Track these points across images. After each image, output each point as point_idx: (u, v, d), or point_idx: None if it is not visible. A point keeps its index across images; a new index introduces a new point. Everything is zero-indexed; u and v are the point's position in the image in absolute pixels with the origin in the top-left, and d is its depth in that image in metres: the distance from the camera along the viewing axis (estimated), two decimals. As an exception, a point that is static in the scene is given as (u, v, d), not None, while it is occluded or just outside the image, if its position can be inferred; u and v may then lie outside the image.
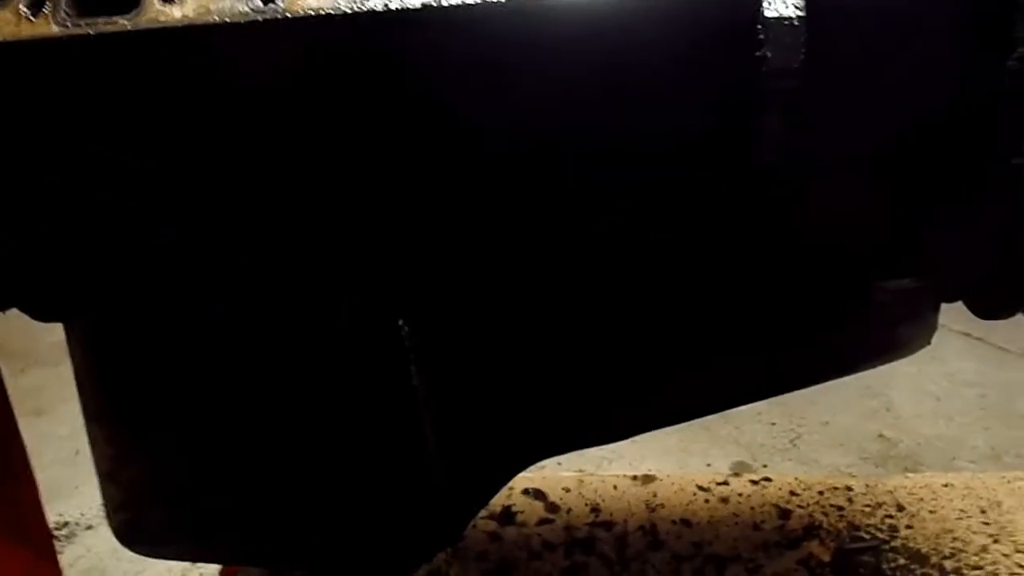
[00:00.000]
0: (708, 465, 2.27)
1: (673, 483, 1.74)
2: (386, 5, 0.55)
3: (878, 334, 0.82)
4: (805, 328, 0.76)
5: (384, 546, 0.79)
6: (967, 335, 2.98)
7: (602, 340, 0.77)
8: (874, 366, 0.86)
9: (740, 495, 1.69)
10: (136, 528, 0.87)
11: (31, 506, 1.00)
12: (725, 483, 1.74)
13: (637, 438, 2.38)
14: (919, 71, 0.62)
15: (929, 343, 0.87)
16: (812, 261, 0.67)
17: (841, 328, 0.78)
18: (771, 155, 0.57)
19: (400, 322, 0.69)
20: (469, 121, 0.60)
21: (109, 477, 0.86)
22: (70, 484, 2.30)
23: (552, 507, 1.67)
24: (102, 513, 2.21)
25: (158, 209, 0.68)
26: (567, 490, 1.73)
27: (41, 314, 0.81)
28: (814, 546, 1.53)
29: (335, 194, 0.64)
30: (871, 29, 0.59)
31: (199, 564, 1.95)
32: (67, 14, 0.58)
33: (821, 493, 1.69)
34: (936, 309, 0.84)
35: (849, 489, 1.70)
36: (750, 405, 2.49)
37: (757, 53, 0.56)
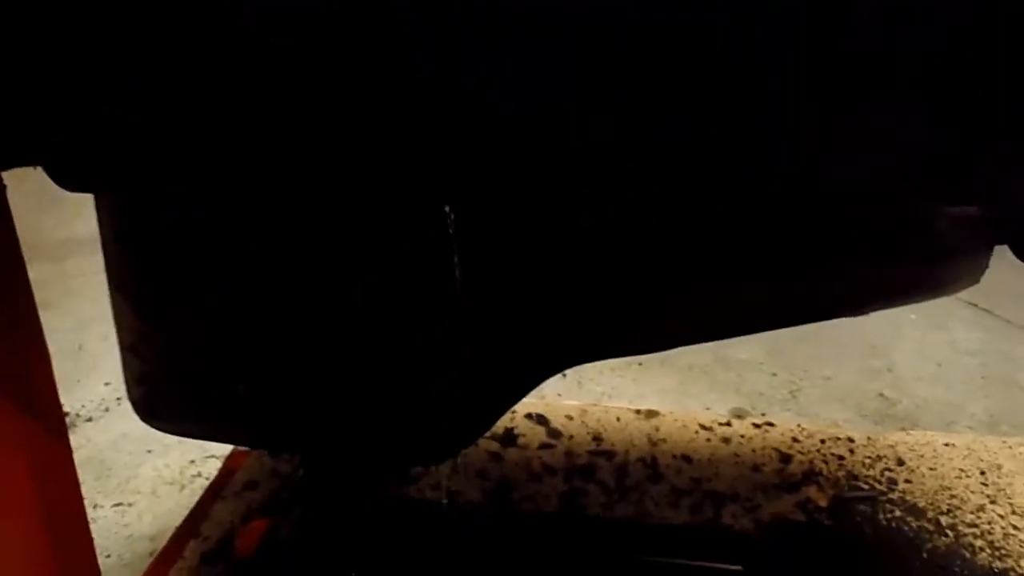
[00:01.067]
0: (707, 409, 2.27)
1: (676, 420, 1.75)
2: None
3: (934, 264, 0.80)
4: (864, 248, 0.75)
5: (409, 436, 0.79)
6: (973, 305, 2.98)
7: (636, 246, 0.76)
8: (923, 299, 0.85)
9: (742, 437, 1.70)
10: (155, 403, 0.86)
11: (47, 390, 1.00)
12: (728, 424, 1.75)
13: (637, 377, 2.39)
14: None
15: (978, 282, 0.85)
16: (873, 179, 0.65)
17: (899, 254, 0.76)
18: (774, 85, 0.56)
19: (447, 209, 0.68)
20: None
21: (131, 350, 0.86)
22: (72, 377, 2.31)
23: (554, 433, 1.68)
24: (103, 406, 2.24)
25: (195, 81, 0.66)
26: (570, 418, 1.73)
27: (71, 180, 0.80)
28: (812, 491, 1.54)
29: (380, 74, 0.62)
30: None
31: (197, 460, 1.97)
32: None
33: (823, 442, 1.70)
34: (989, 247, 0.82)
35: (851, 440, 1.71)
36: (751, 355, 2.48)
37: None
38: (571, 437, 1.67)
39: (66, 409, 2.18)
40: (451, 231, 0.68)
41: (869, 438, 1.72)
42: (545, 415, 1.73)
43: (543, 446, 1.64)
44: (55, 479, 1.01)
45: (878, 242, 0.74)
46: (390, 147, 0.66)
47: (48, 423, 0.99)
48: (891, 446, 1.70)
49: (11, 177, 0.81)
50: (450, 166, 0.67)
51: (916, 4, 0.59)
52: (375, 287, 0.72)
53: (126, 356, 0.86)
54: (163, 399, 0.86)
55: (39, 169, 0.77)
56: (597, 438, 1.67)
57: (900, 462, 1.64)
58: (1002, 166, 0.68)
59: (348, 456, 0.90)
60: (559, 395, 2.24)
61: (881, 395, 2.40)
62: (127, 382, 0.87)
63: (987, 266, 0.85)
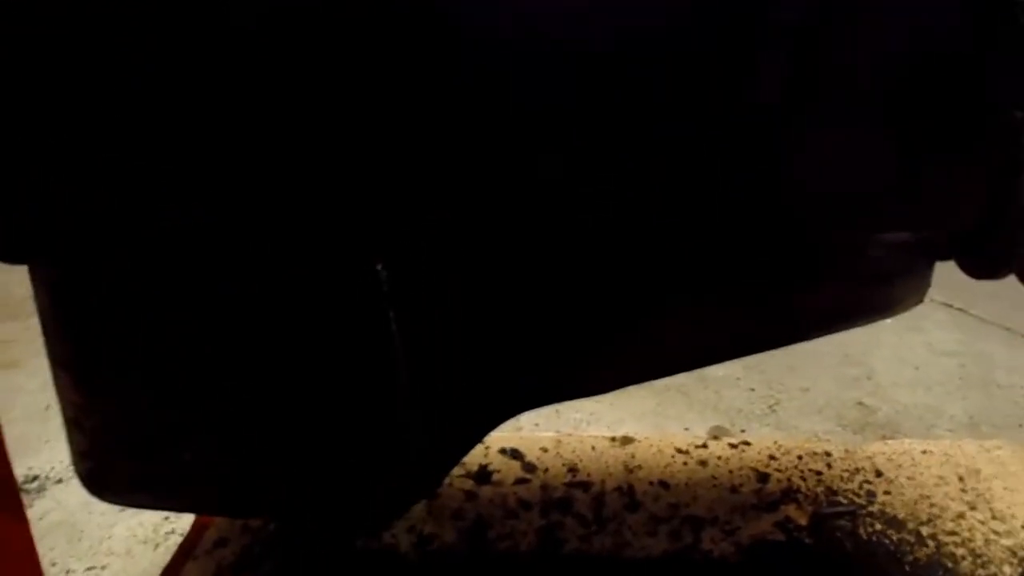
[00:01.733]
0: (686, 429, 2.26)
1: (651, 445, 1.73)
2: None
3: (870, 289, 0.80)
4: (798, 279, 0.74)
5: (359, 498, 0.77)
6: (948, 306, 2.99)
7: (581, 289, 0.75)
8: (868, 321, 0.85)
9: (719, 458, 1.69)
10: (103, 476, 0.84)
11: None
12: (704, 446, 1.73)
13: (615, 401, 2.38)
14: (922, 13, 0.60)
15: (921, 301, 0.85)
16: (808, 209, 0.65)
17: (836, 280, 0.76)
18: (772, 92, 0.55)
19: (379, 266, 0.66)
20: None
21: (75, 424, 0.84)
22: (40, 439, 2.27)
23: (529, 467, 1.66)
24: (72, 468, 2.19)
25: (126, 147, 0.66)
26: (544, 450, 1.71)
27: (4, 254, 0.78)
28: (791, 510, 1.52)
29: (312, 126, 0.62)
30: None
31: (171, 516, 1.94)
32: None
33: (800, 458, 1.69)
34: (930, 267, 0.82)
35: (828, 454, 1.70)
36: (728, 371, 2.47)
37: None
38: (546, 470, 1.65)
39: (35, 472, 2.15)
40: (384, 288, 0.66)
41: (847, 451, 1.71)
42: (519, 449, 1.71)
43: (518, 481, 1.62)
44: (12, 554, 0.99)
45: (820, 267, 0.74)
46: (320, 197, 0.65)
47: (4, 500, 0.97)
48: (869, 457, 1.69)
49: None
50: (379, 218, 0.66)
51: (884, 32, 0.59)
52: (313, 347, 0.71)
53: (70, 430, 0.84)
54: (110, 472, 0.84)
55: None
56: (573, 469, 1.65)
57: (878, 473, 1.63)
58: (940, 187, 0.68)
59: (299, 518, 0.88)
60: (537, 425, 2.22)
61: (860, 403, 2.40)
62: (73, 456, 0.85)
63: (929, 285, 0.85)
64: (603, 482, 1.61)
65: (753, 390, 2.47)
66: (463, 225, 0.67)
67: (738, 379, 2.53)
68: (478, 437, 0.78)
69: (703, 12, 0.56)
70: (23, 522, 1.01)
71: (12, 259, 0.80)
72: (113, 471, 0.84)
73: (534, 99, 0.59)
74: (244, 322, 0.73)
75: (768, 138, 0.60)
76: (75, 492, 2.07)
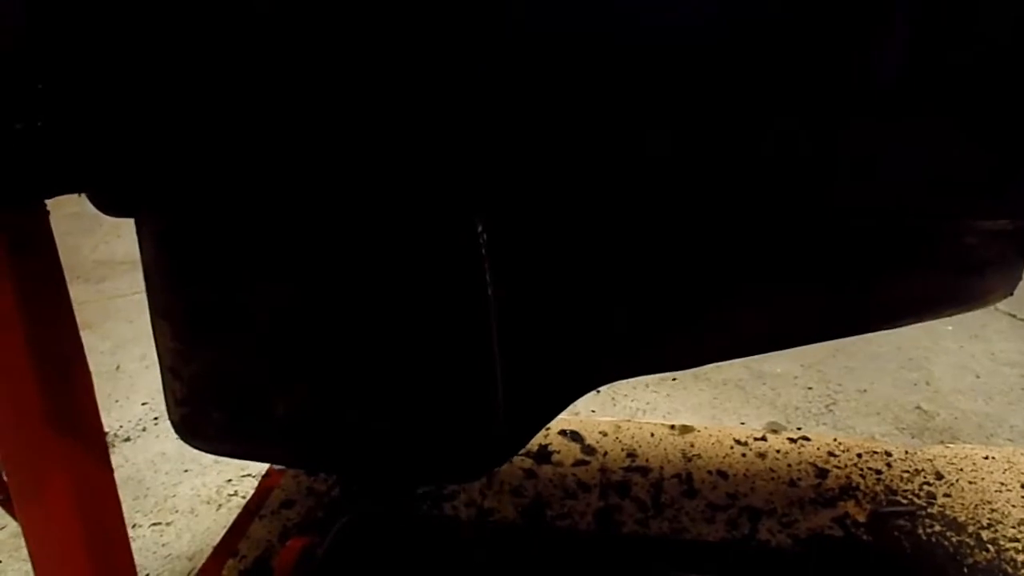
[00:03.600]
0: (742, 424, 2.26)
1: (711, 435, 1.74)
2: None
3: (964, 278, 0.80)
4: (890, 266, 0.74)
5: (441, 457, 0.79)
6: (1012, 316, 2.94)
7: (667, 263, 0.76)
8: (956, 312, 0.85)
9: (778, 452, 1.69)
10: (196, 424, 0.87)
11: (89, 409, 1.01)
12: (763, 439, 1.74)
13: (671, 392, 2.38)
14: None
15: (1011, 294, 0.85)
16: (906, 196, 0.65)
17: (928, 268, 0.76)
18: (887, 80, 0.56)
19: (479, 227, 0.68)
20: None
21: (172, 371, 0.87)
22: (110, 398, 2.34)
23: (588, 449, 1.68)
24: (140, 426, 2.26)
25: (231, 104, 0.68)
26: (604, 434, 1.73)
27: (114, 206, 0.82)
28: (850, 506, 1.52)
29: (411, 83, 0.63)
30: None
31: (234, 479, 1.99)
32: None
33: (860, 456, 1.68)
34: (1022, 259, 0.82)
35: (888, 454, 1.69)
36: (786, 368, 2.46)
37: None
38: (605, 453, 1.67)
39: (104, 429, 2.22)
40: (483, 248, 0.68)
41: (907, 452, 1.71)
42: (579, 432, 1.73)
43: (577, 463, 1.64)
44: (97, 499, 1.02)
45: (912, 254, 0.74)
46: (421, 154, 0.67)
47: (90, 444, 1.00)
48: (929, 460, 1.68)
49: (50, 201, 0.83)
50: (481, 176, 0.68)
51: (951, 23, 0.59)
52: (409, 305, 0.73)
53: (167, 377, 0.87)
54: (203, 419, 0.87)
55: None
56: (631, 454, 1.66)
57: (939, 476, 1.63)
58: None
59: (384, 474, 0.91)
60: (593, 412, 2.23)
61: (919, 408, 2.38)
62: (168, 403, 0.89)
63: (1020, 277, 0.85)
64: (661, 468, 1.62)
65: (811, 389, 2.46)
66: (563, 193, 0.68)
67: (796, 377, 2.52)
68: (562, 405, 0.79)
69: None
70: (109, 471, 1.05)
71: (123, 212, 0.83)
72: (207, 419, 0.87)
73: (646, 74, 0.61)
74: (342, 277, 0.75)
75: (873, 123, 0.61)
76: (142, 450, 2.13)
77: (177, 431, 0.88)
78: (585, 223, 0.71)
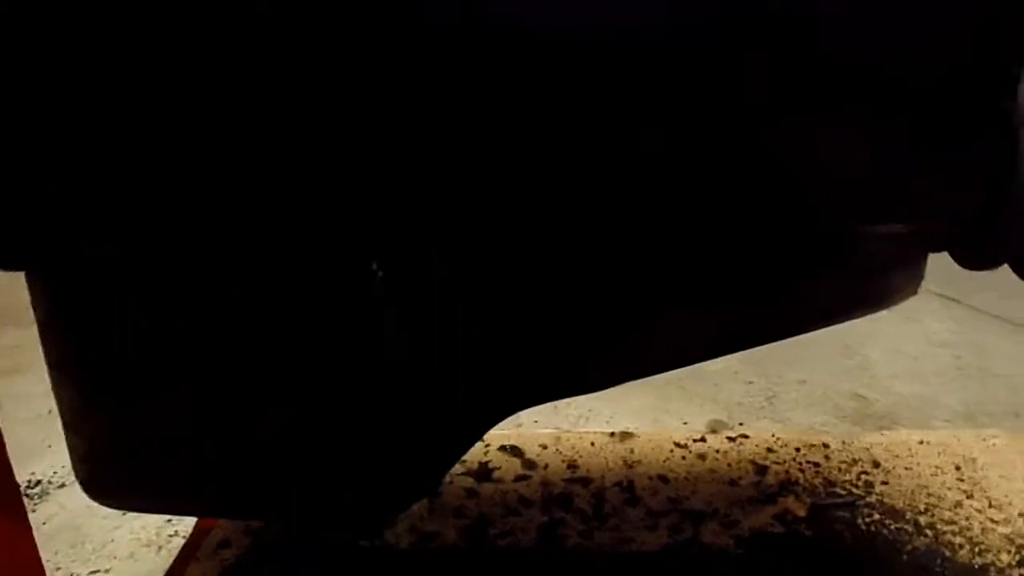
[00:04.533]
0: (684, 423, 2.27)
1: (650, 440, 1.74)
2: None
3: (866, 281, 0.80)
4: (790, 274, 0.74)
5: (363, 496, 0.78)
6: (943, 295, 3.00)
7: (580, 286, 0.75)
8: (862, 314, 0.85)
9: (717, 451, 1.69)
10: (101, 480, 0.84)
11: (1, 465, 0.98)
12: (702, 440, 1.74)
13: (613, 397, 2.39)
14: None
15: (916, 292, 0.85)
16: (798, 202, 0.65)
17: (828, 274, 0.76)
18: (758, 92, 0.55)
19: (374, 266, 0.67)
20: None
21: (72, 427, 0.84)
22: (43, 443, 2.28)
23: (529, 463, 1.67)
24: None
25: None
26: (544, 447, 1.72)
27: (2, 262, 0.79)
28: (790, 502, 1.53)
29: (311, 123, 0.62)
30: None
31: (174, 519, 1.94)
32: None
33: (798, 450, 1.69)
34: (924, 258, 0.82)
35: (826, 446, 1.71)
36: (726, 364, 2.48)
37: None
38: (546, 466, 1.66)
39: (37, 477, 2.16)
40: (379, 289, 0.67)
41: (844, 442, 1.72)
42: (519, 446, 1.72)
43: (519, 478, 1.63)
44: (16, 560, 0.99)
45: (819, 260, 0.74)
46: (310, 201, 0.65)
47: (6, 504, 0.97)
48: (866, 448, 1.70)
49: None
50: (375, 217, 0.66)
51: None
52: (313, 349, 0.72)
53: (68, 434, 0.85)
54: (110, 476, 0.84)
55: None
56: (572, 465, 1.66)
57: (876, 464, 1.64)
58: (939, 179, 0.68)
59: (308, 515, 0.88)
60: (536, 421, 2.22)
61: (857, 395, 2.41)
62: (72, 461, 0.86)
63: (923, 275, 0.86)
64: (603, 477, 1.61)
65: (751, 383, 2.48)
66: (469, 225, 0.67)
67: (736, 372, 2.54)
68: (480, 433, 0.78)
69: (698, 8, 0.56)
70: (26, 527, 1.02)
71: (9, 266, 0.80)
72: (112, 475, 0.84)
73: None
74: (241, 323, 0.73)
75: (761, 134, 0.60)
76: (78, 496, 2.07)
77: (84, 490, 0.85)
78: (496, 254, 0.70)
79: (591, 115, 0.62)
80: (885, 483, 1.58)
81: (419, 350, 0.72)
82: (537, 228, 0.70)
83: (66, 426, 0.85)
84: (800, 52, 0.59)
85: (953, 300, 2.98)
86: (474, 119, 0.62)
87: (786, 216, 0.68)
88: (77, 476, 0.86)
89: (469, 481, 1.61)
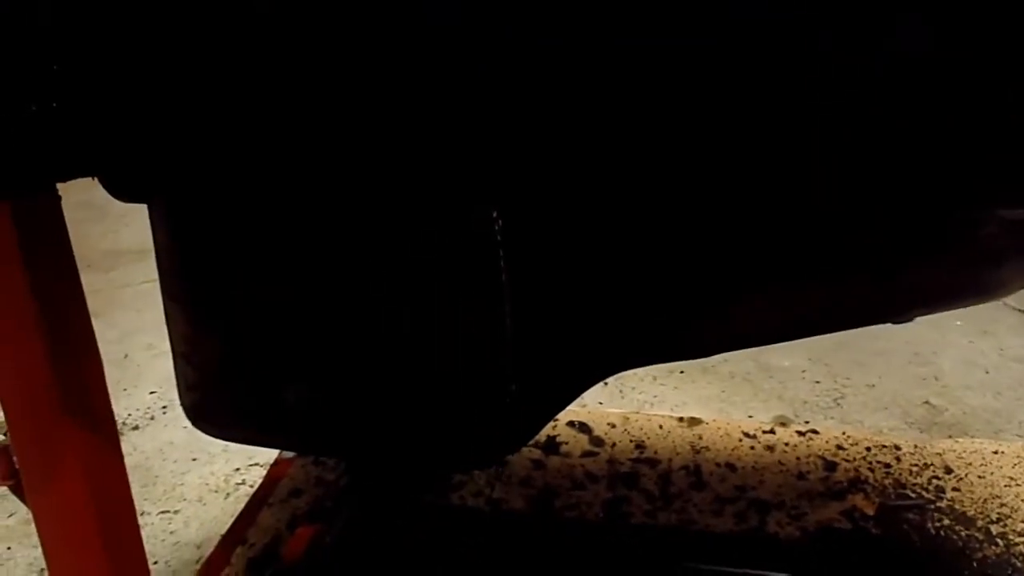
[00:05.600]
0: (750, 417, 2.25)
1: (719, 428, 1.74)
2: None
3: (980, 268, 0.79)
4: (908, 253, 0.74)
5: (456, 442, 0.79)
6: (1021, 311, 2.93)
7: (685, 250, 0.75)
8: (971, 303, 0.84)
9: (786, 445, 1.69)
10: (206, 409, 0.87)
11: (100, 397, 1.01)
12: (771, 432, 1.73)
13: (679, 385, 2.38)
14: None
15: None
16: (919, 178, 0.65)
17: (946, 256, 0.75)
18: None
19: (494, 214, 0.68)
20: None
21: (183, 356, 0.87)
22: (119, 386, 2.34)
23: (597, 441, 1.68)
24: (148, 415, 2.27)
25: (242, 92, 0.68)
26: (612, 425, 1.73)
27: (126, 191, 0.81)
28: (859, 499, 1.52)
29: (428, 80, 0.63)
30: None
31: (241, 468, 1.99)
32: None
33: (868, 449, 1.68)
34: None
35: (897, 448, 1.69)
36: (793, 362, 2.45)
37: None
38: (614, 445, 1.66)
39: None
40: (498, 236, 0.68)
41: (916, 446, 1.70)
42: (588, 423, 1.73)
43: (586, 454, 1.64)
44: (108, 486, 1.03)
45: (931, 243, 0.73)
46: (432, 145, 0.67)
47: (101, 431, 1.01)
48: (939, 454, 1.68)
49: (59, 187, 0.83)
50: (495, 165, 0.68)
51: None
52: (422, 292, 0.73)
53: (178, 362, 0.88)
54: (214, 405, 0.87)
55: (86, 181, 0.78)
56: (640, 446, 1.66)
57: (948, 470, 1.62)
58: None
59: (393, 461, 0.90)
60: (601, 404, 2.23)
61: (927, 403, 2.37)
62: (179, 388, 0.89)
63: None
64: (670, 460, 1.62)
65: (818, 383, 2.46)
66: (580, 180, 0.68)
67: (803, 371, 2.51)
68: (575, 393, 0.79)
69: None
70: (120, 459, 1.05)
71: (136, 197, 0.83)
72: (217, 405, 0.87)
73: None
74: (353, 264, 0.75)
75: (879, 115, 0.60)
76: (150, 438, 2.14)
77: (188, 416, 0.88)
78: (599, 212, 0.71)
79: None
80: (957, 489, 1.56)
81: (528, 299, 0.73)
82: (643, 197, 0.71)
83: (177, 355, 0.88)
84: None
85: (1031, 316, 2.91)
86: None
87: (902, 195, 0.67)
88: (183, 403, 0.89)
89: (537, 453, 1.63)
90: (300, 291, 0.78)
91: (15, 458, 1.01)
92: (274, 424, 0.85)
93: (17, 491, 1.06)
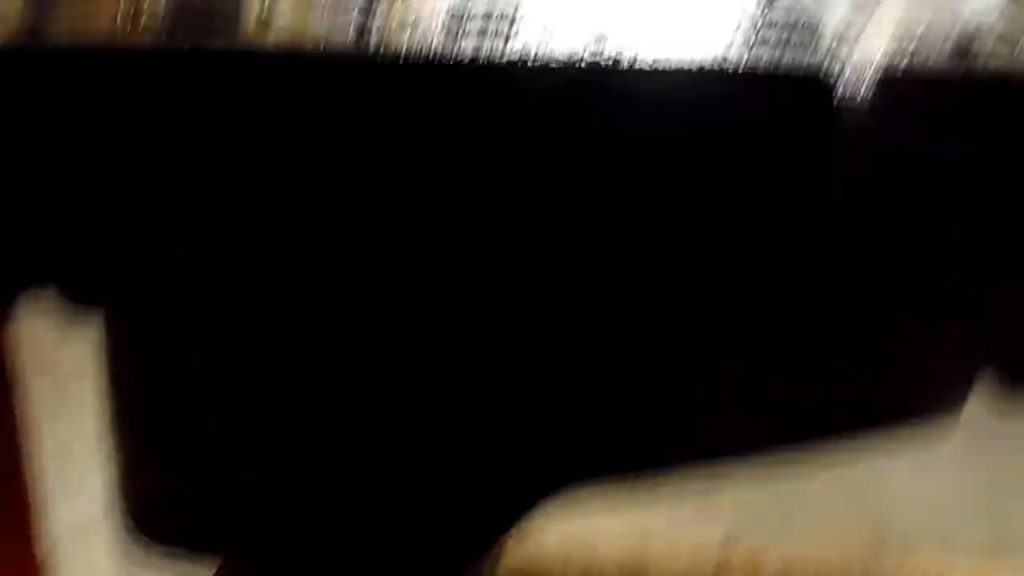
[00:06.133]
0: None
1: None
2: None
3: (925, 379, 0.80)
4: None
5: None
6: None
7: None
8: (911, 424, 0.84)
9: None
10: (150, 525, 0.86)
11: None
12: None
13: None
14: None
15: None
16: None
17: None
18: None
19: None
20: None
21: (128, 474, 0.86)
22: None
23: None
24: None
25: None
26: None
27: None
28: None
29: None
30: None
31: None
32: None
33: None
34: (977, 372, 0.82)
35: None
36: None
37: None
38: None
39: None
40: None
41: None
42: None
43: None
44: None
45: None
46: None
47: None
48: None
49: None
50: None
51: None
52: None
53: (123, 481, 0.87)
54: (157, 523, 0.85)
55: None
56: None
57: (897, 590, 1.63)
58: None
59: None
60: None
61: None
62: (121, 507, 0.87)
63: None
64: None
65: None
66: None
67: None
68: (528, 509, 0.79)
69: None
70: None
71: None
72: (164, 523, 0.85)
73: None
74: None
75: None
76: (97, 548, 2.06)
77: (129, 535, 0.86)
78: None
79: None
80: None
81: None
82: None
83: (120, 471, 0.86)
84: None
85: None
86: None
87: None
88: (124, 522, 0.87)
89: None
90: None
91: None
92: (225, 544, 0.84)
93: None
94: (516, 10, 0.57)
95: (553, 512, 0.81)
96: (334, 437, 0.75)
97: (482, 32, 0.57)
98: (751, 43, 0.57)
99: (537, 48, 0.57)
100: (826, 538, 2.27)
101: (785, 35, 0.58)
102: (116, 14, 0.59)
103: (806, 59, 0.58)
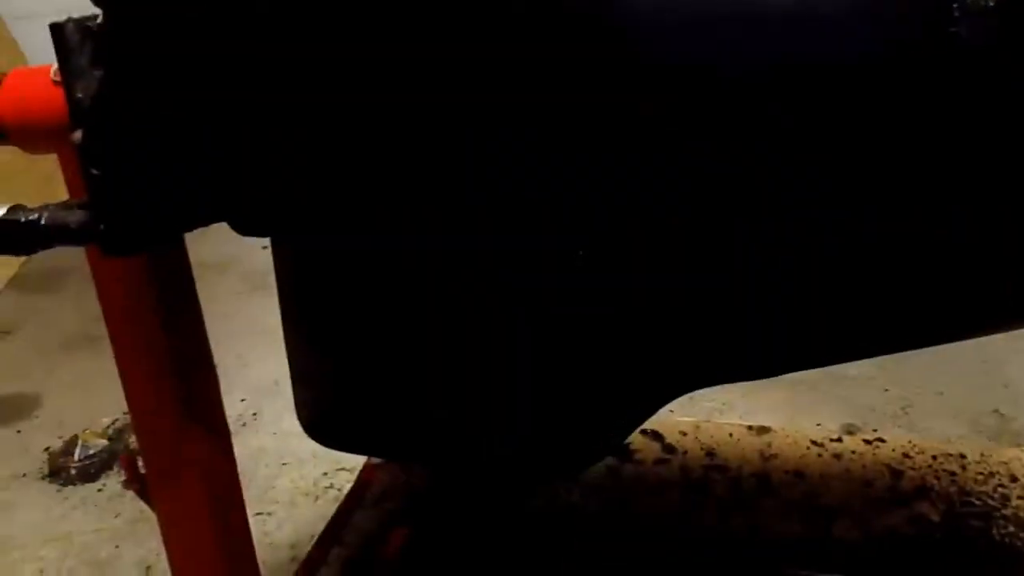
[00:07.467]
0: (818, 425, 2.30)
1: (787, 436, 1.80)
2: None
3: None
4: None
5: (540, 454, 0.87)
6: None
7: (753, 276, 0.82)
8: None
9: (853, 452, 1.74)
10: (322, 424, 0.97)
11: (216, 407, 1.12)
12: (839, 440, 1.79)
13: (747, 391, 2.41)
14: None
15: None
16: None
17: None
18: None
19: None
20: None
21: (300, 378, 0.97)
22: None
23: (669, 448, 1.75)
24: (240, 421, 2.38)
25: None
26: (684, 433, 1.80)
27: (254, 230, 0.90)
28: (924, 507, 1.57)
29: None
30: None
31: (330, 472, 2.10)
32: None
33: (935, 458, 1.72)
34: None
35: (963, 456, 1.73)
36: (861, 370, 2.46)
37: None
38: (685, 452, 1.74)
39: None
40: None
41: (982, 454, 1.74)
42: (660, 431, 1.80)
43: (658, 461, 1.71)
44: (224, 488, 1.13)
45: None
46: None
47: (218, 440, 1.11)
48: (1005, 462, 1.71)
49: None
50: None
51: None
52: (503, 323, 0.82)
53: (296, 382, 0.97)
54: (329, 420, 0.97)
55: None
56: (711, 453, 1.73)
57: (1013, 478, 1.66)
58: None
59: (482, 471, 0.99)
60: (671, 411, 2.29)
61: (996, 411, 2.39)
62: (297, 405, 0.99)
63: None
64: (740, 467, 1.68)
65: (887, 391, 2.49)
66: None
67: (871, 379, 2.54)
68: (653, 409, 0.87)
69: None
70: (233, 462, 1.15)
71: (258, 234, 0.93)
72: (331, 420, 0.96)
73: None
74: (446, 294, 0.84)
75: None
76: (242, 444, 2.25)
77: (306, 430, 0.98)
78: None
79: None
80: (1022, 498, 1.60)
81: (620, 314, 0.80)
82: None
83: (294, 376, 0.98)
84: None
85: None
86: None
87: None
88: (300, 418, 0.99)
89: (611, 460, 1.71)
90: (402, 326, 0.86)
91: (141, 464, 1.12)
92: (382, 440, 0.95)
93: (143, 495, 1.17)
94: None
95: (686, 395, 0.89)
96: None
97: None
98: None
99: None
100: (945, 427, 2.31)
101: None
102: None
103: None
